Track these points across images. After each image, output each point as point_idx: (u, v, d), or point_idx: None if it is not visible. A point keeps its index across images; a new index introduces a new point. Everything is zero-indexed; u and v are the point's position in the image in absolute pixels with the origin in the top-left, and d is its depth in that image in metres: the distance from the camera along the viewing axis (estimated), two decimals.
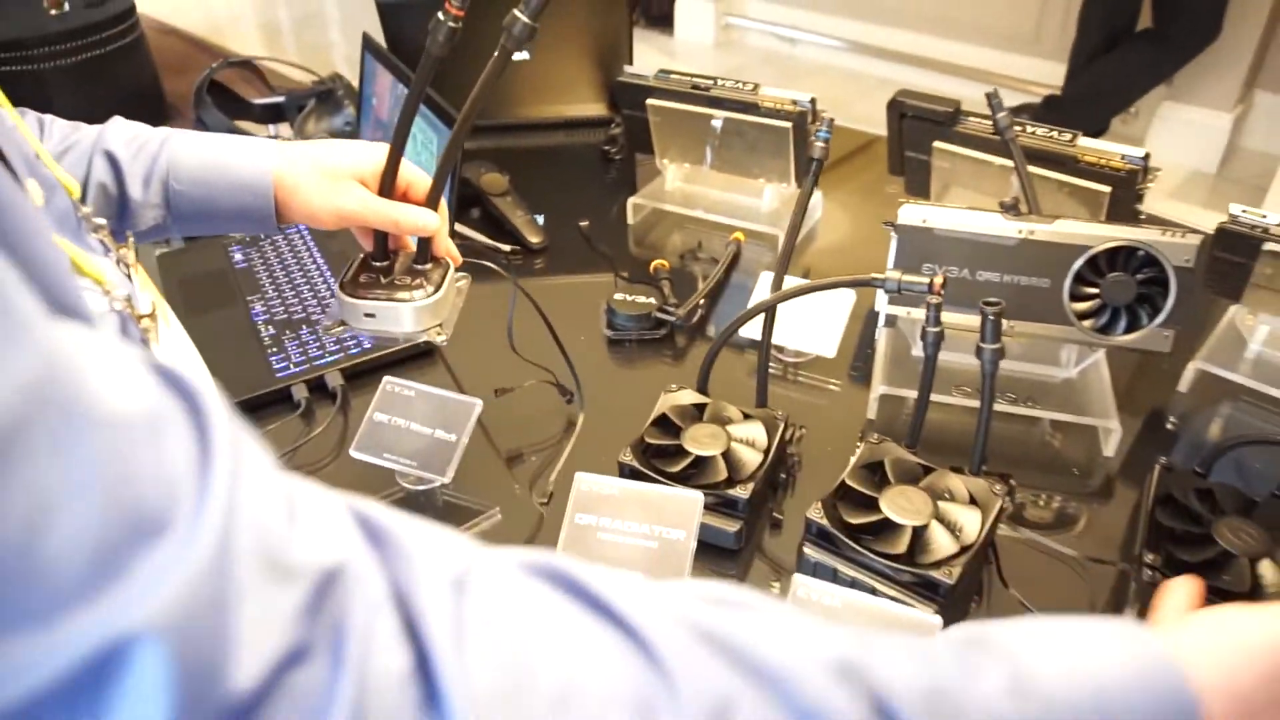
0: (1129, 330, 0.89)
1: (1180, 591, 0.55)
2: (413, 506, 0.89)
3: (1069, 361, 0.96)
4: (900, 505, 0.75)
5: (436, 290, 0.77)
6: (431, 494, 0.90)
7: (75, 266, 0.47)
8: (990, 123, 1.06)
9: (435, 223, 0.77)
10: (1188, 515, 0.78)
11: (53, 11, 3.02)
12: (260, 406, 0.98)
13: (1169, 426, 0.98)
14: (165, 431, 0.27)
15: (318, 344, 1.04)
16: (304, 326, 1.07)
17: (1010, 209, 0.90)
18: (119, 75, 1.66)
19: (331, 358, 1.02)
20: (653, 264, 1.18)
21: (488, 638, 0.32)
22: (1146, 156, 0.99)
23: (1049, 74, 3.21)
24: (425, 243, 0.78)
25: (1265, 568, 0.73)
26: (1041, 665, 0.38)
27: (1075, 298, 0.89)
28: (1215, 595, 0.72)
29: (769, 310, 0.87)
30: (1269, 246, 0.90)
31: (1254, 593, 0.72)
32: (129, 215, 0.72)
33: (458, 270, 0.83)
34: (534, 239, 1.25)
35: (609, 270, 1.20)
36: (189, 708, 0.25)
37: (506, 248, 1.26)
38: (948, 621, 0.73)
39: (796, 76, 3.77)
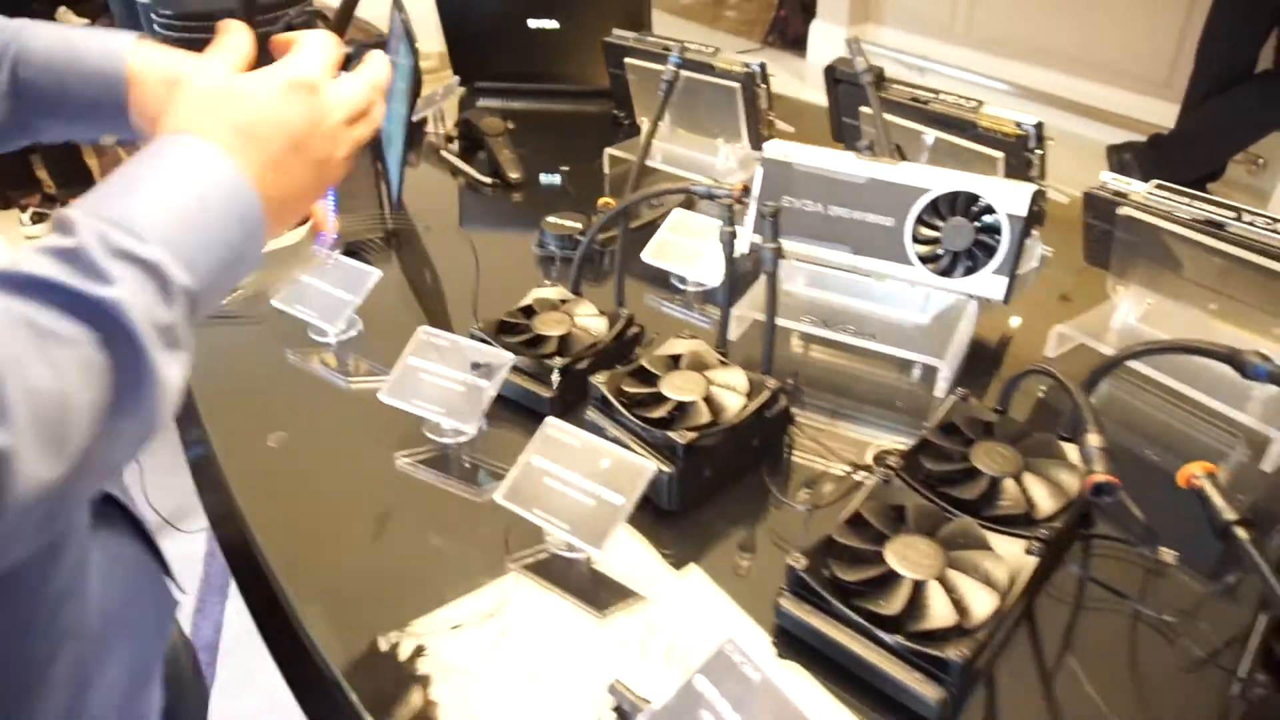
0: (966, 275, 0.93)
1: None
2: None
3: (925, 307, 1.00)
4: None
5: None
6: None
7: None
8: (916, 90, 1.12)
9: None
10: (960, 437, 0.82)
11: None
12: None
13: (1040, 395, 1.00)
14: None
15: None
16: None
17: (866, 151, 0.95)
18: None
19: None
20: (600, 200, 1.29)
21: None
22: (1039, 125, 1.02)
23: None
24: None
25: (1007, 485, 0.76)
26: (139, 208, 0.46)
27: (919, 241, 0.94)
28: (949, 502, 0.76)
29: (625, 219, 0.97)
30: (1124, 211, 0.92)
31: (983, 501, 0.75)
32: None
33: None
34: (513, 174, 1.40)
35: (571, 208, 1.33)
36: None
37: (489, 180, 1.41)
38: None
39: None
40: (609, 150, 1.42)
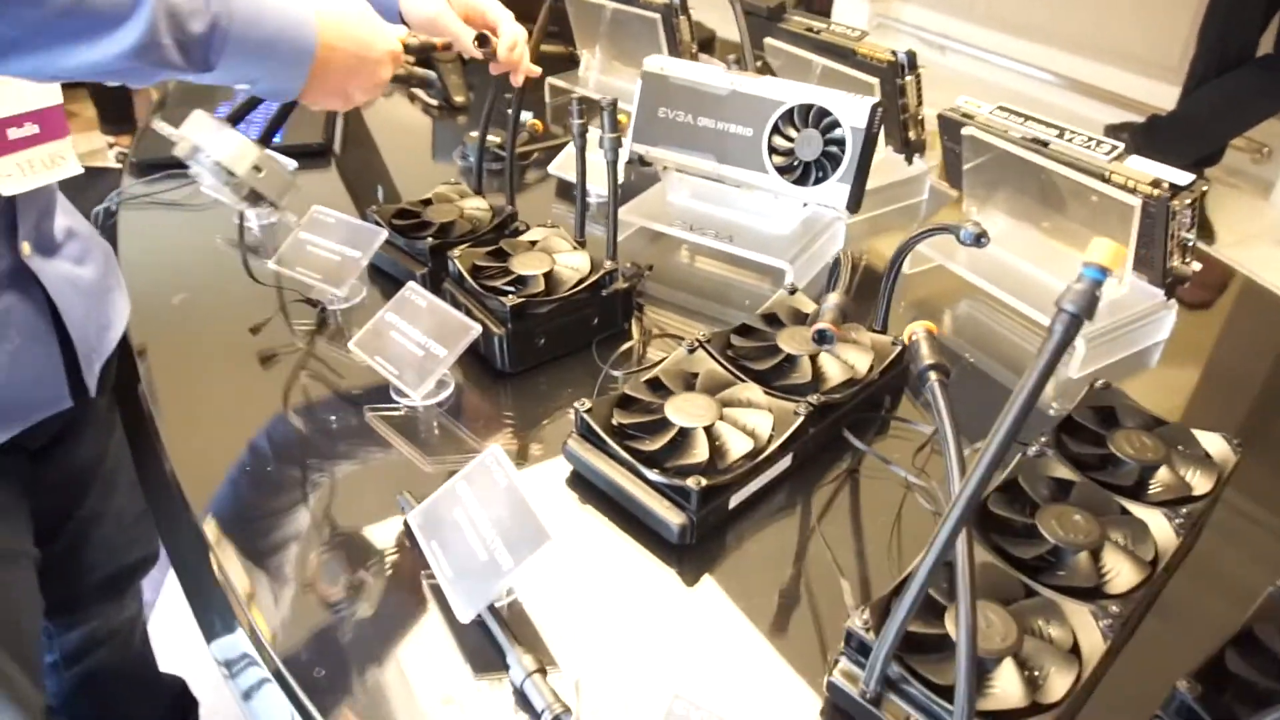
0: (817, 184, 0.99)
1: None
2: None
3: (787, 219, 1.06)
4: None
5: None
6: None
7: None
8: (816, 23, 1.18)
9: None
10: (775, 322, 0.89)
11: None
12: None
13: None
14: None
15: None
16: None
17: (734, 66, 1.02)
18: None
19: None
20: (529, 122, 1.37)
21: None
22: (911, 53, 1.07)
23: None
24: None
25: (802, 361, 0.83)
26: None
27: (775, 151, 1.01)
28: (746, 373, 0.83)
29: (515, 123, 1.05)
30: (966, 130, 0.97)
31: (775, 372, 0.82)
32: None
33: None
34: (458, 98, 1.48)
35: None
36: None
37: (434, 101, 1.50)
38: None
39: (938, 83, 3.76)
40: (550, 80, 1.50)
